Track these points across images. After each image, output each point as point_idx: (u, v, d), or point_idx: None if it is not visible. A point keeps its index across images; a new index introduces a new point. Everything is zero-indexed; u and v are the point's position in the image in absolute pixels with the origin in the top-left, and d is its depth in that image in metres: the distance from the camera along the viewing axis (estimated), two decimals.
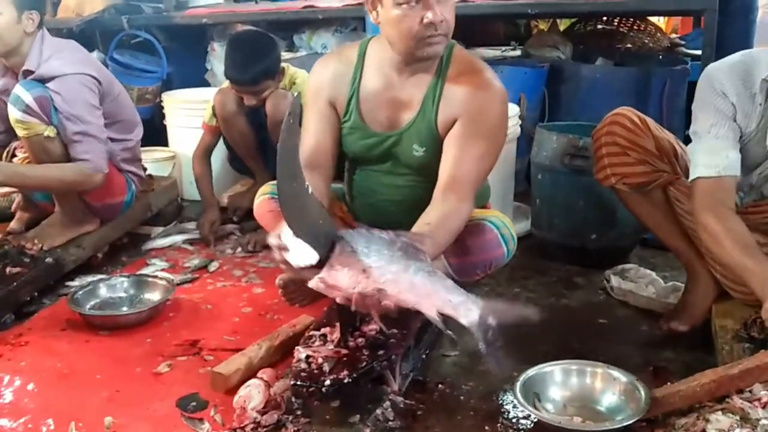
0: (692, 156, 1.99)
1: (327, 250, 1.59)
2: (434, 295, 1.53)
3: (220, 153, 3.34)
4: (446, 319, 1.53)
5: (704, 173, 1.93)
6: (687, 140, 2.07)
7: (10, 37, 2.54)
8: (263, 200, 2.28)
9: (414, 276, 1.53)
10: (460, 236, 2.05)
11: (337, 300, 1.63)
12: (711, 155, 1.93)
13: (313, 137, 2.16)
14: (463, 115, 2.03)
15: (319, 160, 2.15)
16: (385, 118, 2.14)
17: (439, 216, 1.92)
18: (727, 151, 1.93)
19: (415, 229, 1.91)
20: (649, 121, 2.17)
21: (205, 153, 3.23)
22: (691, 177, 1.96)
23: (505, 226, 2.11)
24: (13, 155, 3.00)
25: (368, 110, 2.15)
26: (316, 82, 2.21)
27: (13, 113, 2.50)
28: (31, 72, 2.56)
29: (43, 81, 2.53)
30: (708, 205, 1.92)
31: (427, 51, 1.99)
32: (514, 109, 3.17)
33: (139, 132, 2.94)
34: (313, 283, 1.61)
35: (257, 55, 2.94)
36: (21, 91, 2.49)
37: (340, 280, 1.57)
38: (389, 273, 1.53)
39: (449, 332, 1.59)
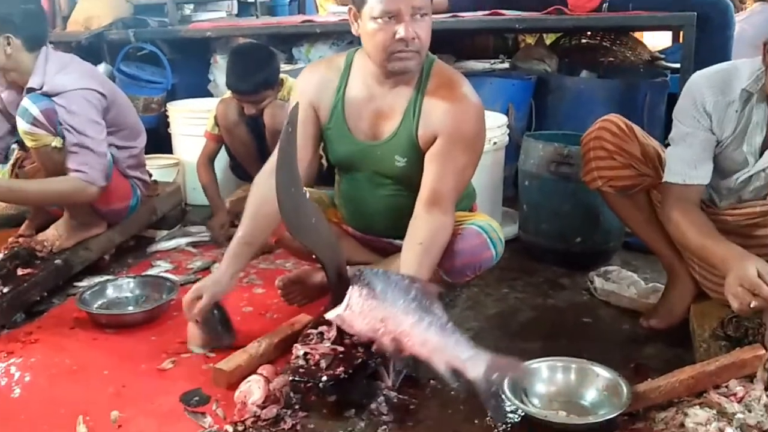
0: (667, 158, 2.04)
1: (344, 285, 1.75)
2: (445, 350, 1.62)
3: (222, 160, 3.34)
4: (455, 371, 1.62)
5: (674, 179, 2.00)
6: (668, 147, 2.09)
7: None
8: None
9: (427, 331, 1.62)
10: (451, 241, 2.06)
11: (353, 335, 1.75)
12: (681, 164, 1.99)
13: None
14: (442, 132, 2.04)
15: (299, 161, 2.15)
16: (368, 128, 2.14)
17: (429, 234, 1.96)
18: (696, 162, 1.98)
19: (406, 248, 1.98)
20: (635, 128, 2.19)
21: (208, 160, 3.24)
22: (664, 178, 2.03)
23: (493, 230, 2.12)
24: (21, 166, 3.00)
25: (352, 118, 2.15)
26: (302, 86, 2.22)
27: (22, 125, 2.51)
28: (34, 89, 2.55)
29: (49, 96, 2.53)
30: (674, 204, 1.99)
31: (397, 66, 2.00)
32: (502, 119, 3.18)
33: (143, 140, 2.94)
34: (331, 317, 1.73)
35: (257, 65, 2.95)
36: (29, 104, 2.49)
37: (357, 323, 1.68)
38: (405, 325, 1.63)
39: (457, 384, 1.66)
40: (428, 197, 2.01)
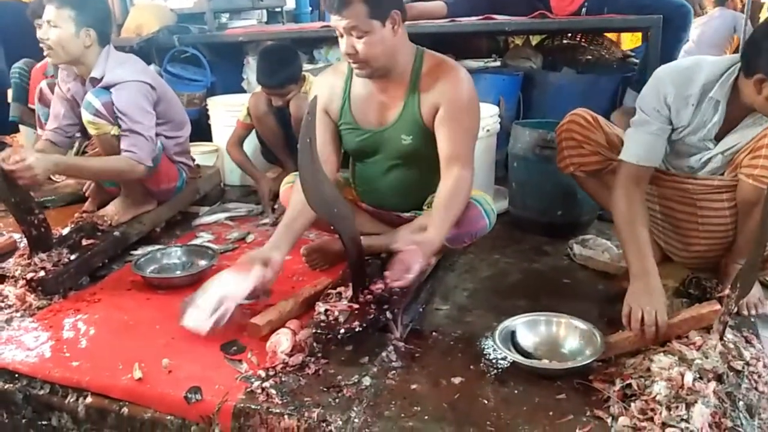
0: (626, 139, 2.00)
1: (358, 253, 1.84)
2: None
3: (253, 146, 3.33)
4: None
5: (628, 159, 1.96)
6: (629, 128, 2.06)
7: (69, 48, 2.52)
8: (288, 188, 2.29)
9: None
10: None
11: None
12: (638, 146, 1.95)
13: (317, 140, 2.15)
14: (443, 101, 2.01)
15: (323, 157, 2.11)
16: (373, 118, 2.14)
17: (449, 192, 1.94)
18: (649, 147, 1.94)
19: (434, 207, 1.98)
20: (600, 119, 2.17)
21: (237, 142, 3.22)
22: (621, 155, 1.99)
23: (486, 203, 2.11)
24: (84, 152, 3.01)
25: (359, 113, 2.14)
26: (314, 94, 2.18)
27: (86, 116, 2.51)
28: (96, 79, 2.56)
29: (108, 87, 2.52)
30: (625, 183, 1.95)
31: (355, 73, 2.02)
32: (494, 109, 3.15)
33: (187, 130, 2.93)
34: None
35: (282, 63, 2.94)
36: (92, 98, 2.49)
37: None
38: None
39: None
40: (446, 157, 2.00)
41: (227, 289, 1.89)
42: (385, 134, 2.13)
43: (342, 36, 1.95)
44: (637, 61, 3.90)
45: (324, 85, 2.19)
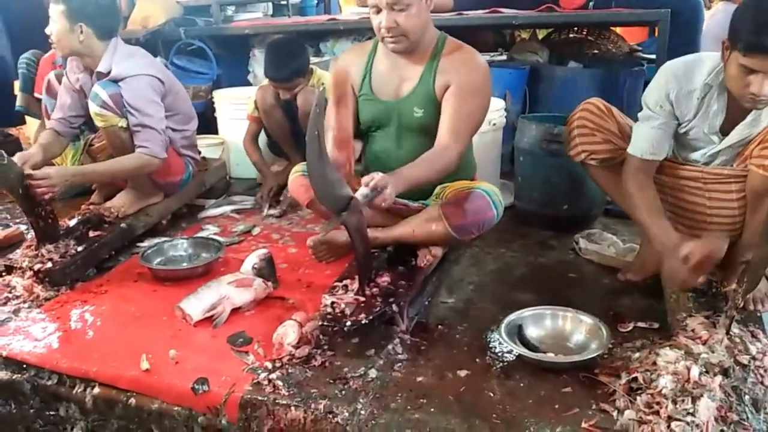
0: (633, 133, 2.03)
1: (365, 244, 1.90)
2: None
3: (260, 139, 3.33)
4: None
5: (635, 153, 2.00)
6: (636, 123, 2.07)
7: (67, 43, 2.52)
8: (296, 177, 2.30)
9: None
10: (459, 202, 2.07)
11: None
12: (642, 141, 1.98)
13: (337, 115, 2.22)
14: (455, 81, 2.10)
15: (344, 134, 2.20)
16: (392, 90, 2.21)
17: (429, 153, 2.05)
18: (654, 142, 1.97)
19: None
20: (613, 109, 2.17)
21: (252, 138, 3.23)
22: (628, 149, 2.03)
23: (494, 194, 2.13)
24: (90, 145, 3.02)
25: (378, 85, 2.22)
26: (339, 66, 2.30)
27: (93, 107, 2.51)
28: (102, 74, 2.55)
29: (116, 80, 2.52)
30: (633, 174, 2.01)
31: (389, 47, 2.10)
32: (500, 104, 3.14)
33: (194, 124, 2.92)
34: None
35: (290, 56, 2.93)
36: (99, 90, 2.49)
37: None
38: None
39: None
40: (444, 130, 2.09)
41: (230, 292, 2.02)
42: (399, 106, 2.19)
43: (378, 12, 2.02)
44: (645, 56, 3.88)
45: (347, 60, 2.30)
